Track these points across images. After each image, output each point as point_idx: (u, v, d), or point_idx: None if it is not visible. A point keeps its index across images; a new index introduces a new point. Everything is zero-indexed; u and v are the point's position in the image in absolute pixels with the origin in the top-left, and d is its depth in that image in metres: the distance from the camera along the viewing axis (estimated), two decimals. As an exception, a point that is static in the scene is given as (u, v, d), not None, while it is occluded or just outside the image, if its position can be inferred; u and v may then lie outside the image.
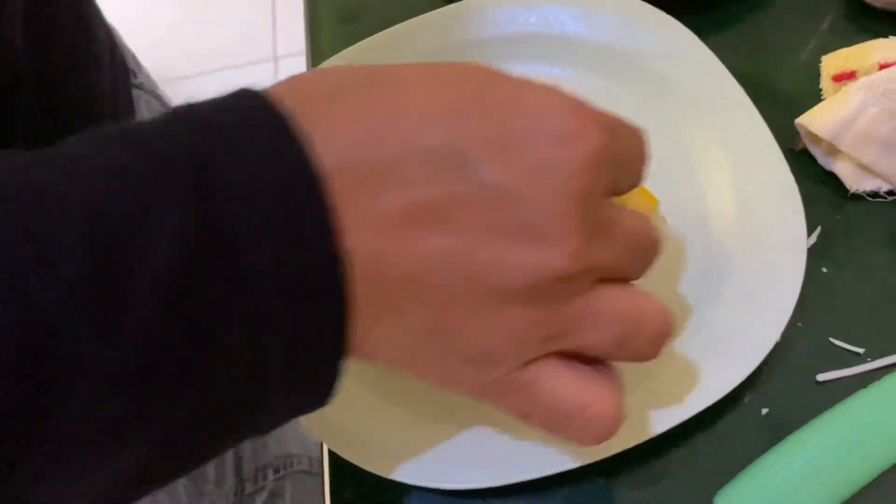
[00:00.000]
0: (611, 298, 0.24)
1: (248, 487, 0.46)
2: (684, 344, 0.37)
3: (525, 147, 0.22)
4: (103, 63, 0.42)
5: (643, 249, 0.26)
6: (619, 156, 0.24)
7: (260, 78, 1.60)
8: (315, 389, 0.22)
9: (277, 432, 0.50)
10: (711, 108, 0.41)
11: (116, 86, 0.44)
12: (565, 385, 0.24)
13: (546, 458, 0.34)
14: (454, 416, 0.36)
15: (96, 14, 0.44)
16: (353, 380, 0.38)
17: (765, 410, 0.36)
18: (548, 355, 0.24)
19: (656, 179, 0.40)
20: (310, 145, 0.20)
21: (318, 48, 0.51)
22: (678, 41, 0.42)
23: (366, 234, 0.20)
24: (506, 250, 0.21)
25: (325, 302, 0.20)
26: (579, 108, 0.23)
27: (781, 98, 0.43)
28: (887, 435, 0.33)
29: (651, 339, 0.26)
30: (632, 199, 0.38)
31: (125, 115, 0.44)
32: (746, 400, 0.36)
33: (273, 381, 0.20)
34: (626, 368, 0.36)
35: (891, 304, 0.37)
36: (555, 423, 0.25)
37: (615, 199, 0.37)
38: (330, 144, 0.20)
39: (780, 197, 0.38)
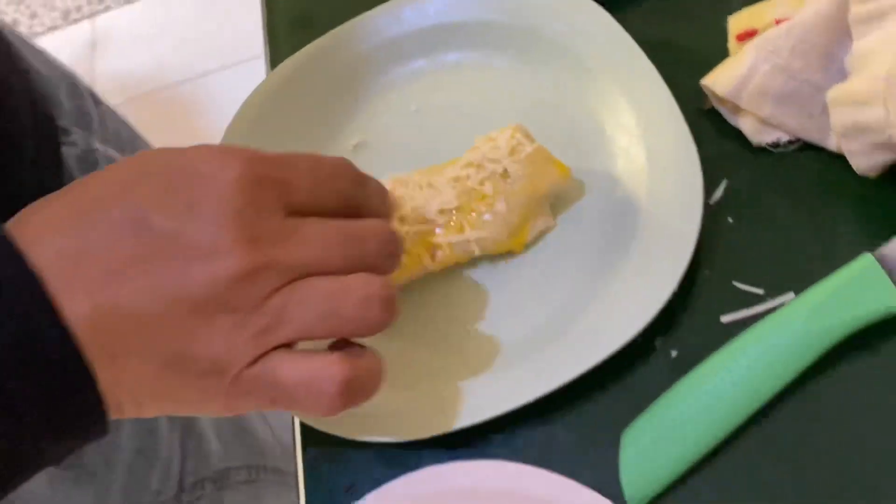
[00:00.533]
0: (310, 285, 0.29)
1: (185, 498, 0.51)
2: (598, 296, 0.40)
3: (182, 191, 0.27)
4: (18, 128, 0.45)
5: (357, 245, 0.31)
6: (280, 176, 0.29)
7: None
8: (88, 434, 0.28)
9: (217, 447, 0.55)
10: (620, 78, 0.44)
11: (39, 151, 0.47)
12: (290, 369, 0.29)
13: (467, 409, 0.39)
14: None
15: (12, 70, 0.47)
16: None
17: (674, 353, 0.40)
18: (275, 349, 0.29)
19: (573, 148, 0.44)
20: (24, 247, 0.26)
21: (276, 52, 0.56)
22: (587, 17, 0.46)
23: (81, 299, 0.26)
24: (188, 272, 0.27)
25: (64, 369, 0.26)
26: (225, 150, 0.28)
27: (693, 61, 0.45)
28: (773, 364, 0.36)
29: (358, 303, 0.29)
30: (544, 169, 0.41)
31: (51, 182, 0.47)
32: (657, 344, 0.40)
33: (44, 439, 0.26)
34: (545, 325, 0.41)
35: (788, 247, 0.40)
36: (292, 402, 0.30)
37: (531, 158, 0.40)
38: (38, 244, 0.26)
39: (680, 156, 0.41)
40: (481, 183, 0.42)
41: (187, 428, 0.53)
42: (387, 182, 0.43)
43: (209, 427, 0.55)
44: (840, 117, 0.38)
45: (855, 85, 0.37)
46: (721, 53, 0.45)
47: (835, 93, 0.38)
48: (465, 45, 0.49)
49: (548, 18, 0.47)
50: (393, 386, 0.41)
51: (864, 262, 0.36)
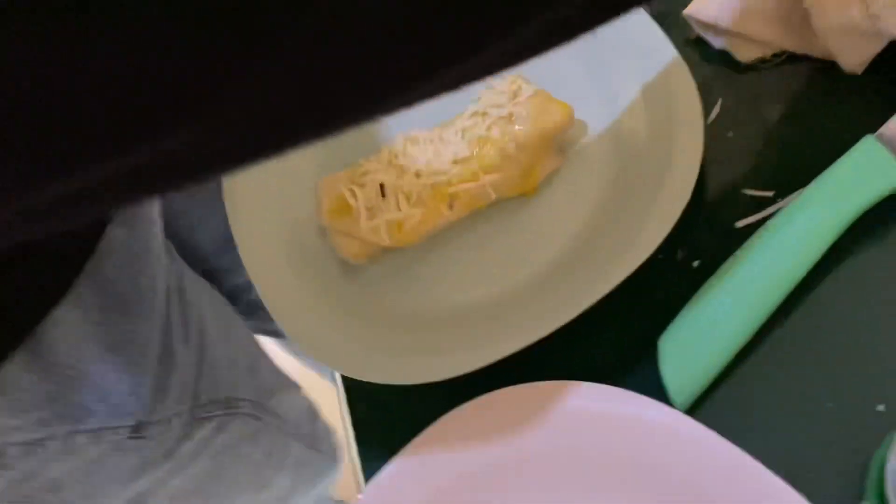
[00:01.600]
0: None
1: (198, 413, 0.52)
2: (616, 220, 0.42)
3: None
4: None
5: None
6: None
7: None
8: None
9: (230, 376, 0.56)
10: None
11: None
12: None
13: (510, 337, 0.40)
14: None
15: None
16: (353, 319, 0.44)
17: (696, 263, 0.41)
18: None
19: (569, 91, 0.45)
20: None
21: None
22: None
23: None
24: None
25: None
26: None
27: (672, -3, 0.48)
28: (792, 252, 0.37)
29: None
30: (547, 110, 0.43)
31: None
32: (679, 256, 0.41)
33: None
34: (570, 252, 0.42)
35: (790, 150, 0.42)
36: None
37: (533, 101, 0.42)
38: None
39: (676, 81, 0.43)
40: (489, 129, 0.43)
41: (201, 351, 0.54)
42: (398, 140, 0.45)
43: (223, 356, 0.56)
44: (824, 20, 0.40)
45: (831, -15, 0.39)
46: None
47: (814, 1, 0.40)
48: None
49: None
50: (433, 326, 0.42)
51: (866, 144, 0.38)
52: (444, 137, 0.44)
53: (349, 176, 0.45)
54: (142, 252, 0.49)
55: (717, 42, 0.46)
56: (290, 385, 0.69)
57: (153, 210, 0.52)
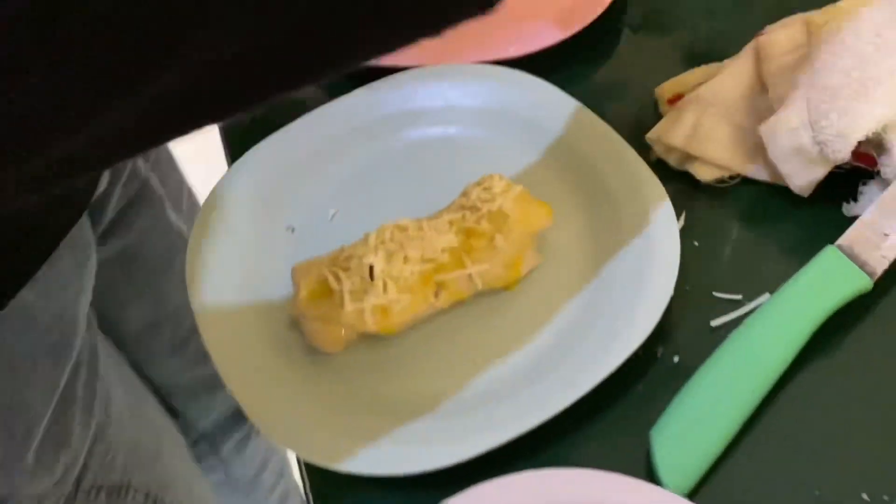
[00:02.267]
0: None
1: (80, 498, 0.48)
2: (596, 319, 0.43)
3: None
4: None
5: None
6: None
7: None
8: None
9: (126, 460, 0.53)
10: (580, 137, 0.50)
11: None
12: None
13: (493, 431, 0.39)
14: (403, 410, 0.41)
15: None
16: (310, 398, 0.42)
17: (676, 358, 0.43)
18: None
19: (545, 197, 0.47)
20: None
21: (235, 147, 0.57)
22: (542, 93, 0.52)
23: None
24: None
25: None
26: None
27: (629, 125, 0.52)
28: (769, 355, 0.40)
29: None
30: (531, 208, 0.45)
31: None
32: (659, 353, 0.43)
33: None
34: (550, 349, 0.43)
35: (751, 257, 0.46)
36: None
37: (518, 199, 0.44)
38: None
39: (649, 191, 0.46)
40: (477, 221, 0.45)
41: (102, 430, 0.50)
42: (386, 228, 0.45)
43: (125, 439, 0.53)
44: (777, 144, 0.45)
45: (784, 116, 0.45)
46: (651, 118, 0.53)
47: (768, 125, 0.46)
48: (428, 123, 0.54)
49: (512, 97, 0.53)
50: (407, 417, 0.41)
51: (828, 253, 0.42)
52: (432, 227, 0.45)
53: (331, 260, 0.45)
54: (51, 321, 0.45)
55: (677, 165, 0.50)
56: (196, 476, 0.64)
57: (82, 278, 0.48)
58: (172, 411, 0.72)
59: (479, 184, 0.46)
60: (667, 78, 0.54)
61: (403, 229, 0.45)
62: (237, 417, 0.79)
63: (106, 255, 0.57)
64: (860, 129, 0.42)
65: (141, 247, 0.62)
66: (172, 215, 0.65)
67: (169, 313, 0.66)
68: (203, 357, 0.68)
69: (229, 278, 0.47)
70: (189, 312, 0.57)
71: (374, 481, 0.40)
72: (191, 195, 0.72)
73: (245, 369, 0.43)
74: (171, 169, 0.68)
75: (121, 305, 0.61)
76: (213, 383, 0.73)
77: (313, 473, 0.41)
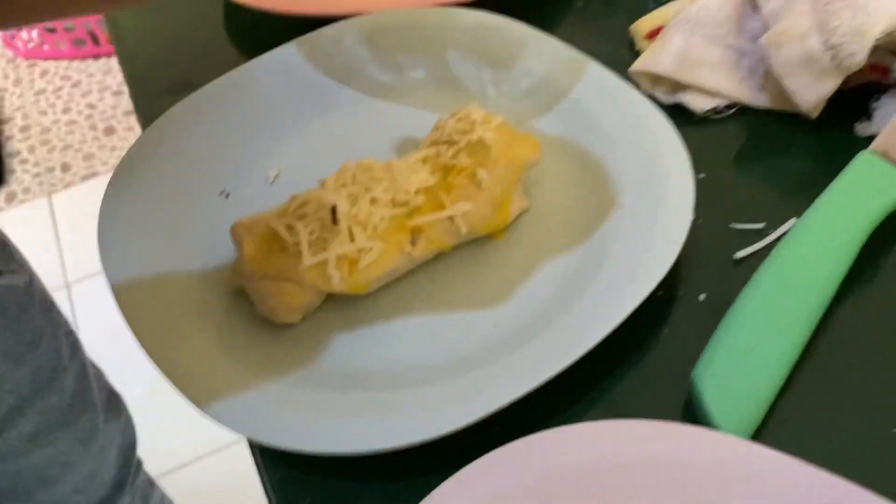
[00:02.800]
0: None
1: None
2: (602, 264, 0.36)
3: None
4: None
5: None
6: None
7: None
8: None
9: None
10: (561, 77, 0.44)
11: None
12: None
13: (500, 389, 0.31)
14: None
15: None
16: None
17: (702, 297, 0.36)
18: None
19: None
20: None
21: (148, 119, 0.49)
22: (510, 30, 0.46)
23: None
24: None
25: None
26: None
27: (610, 62, 0.47)
28: (812, 277, 0.34)
29: None
30: (515, 140, 0.38)
31: None
32: (681, 293, 0.37)
33: None
34: (554, 300, 0.36)
35: (765, 185, 0.40)
36: None
37: (500, 130, 0.37)
38: None
39: (650, 125, 0.40)
40: (455, 156, 0.38)
41: None
42: (350, 166, 0.38)
43: None
44: (782, 56, 0.40)
45: (789, 23, 0.40)
46: (629, 58, 0.47)
47: (771, 37, 0.41)
48: (384, 69, 0.47)
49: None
50: (391, 388, 0.33)
51: (863, 159, 0.36)
52: (403, 166, 0.37)
53: (281, 212, 0.37)
54: None
55: (666, 99, 0.44)
56: None
57: None
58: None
59: (453, 115, 0.39)
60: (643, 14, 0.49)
61: (368, 169, 0.37)
62: None
63: None
64: (878, 25, 0.37)
65: None
66: None
67: None
68: (29, 442, 0.58)
69: (153, 249, 0.39)
70: (7, 392, 0.49)
71: (349, 469, 0.32)
72: None
73: (180, 353, 0.34)
74: None
75: None
76: (50, 474, 0.63)
77: (273, 467, 0.33)
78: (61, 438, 0.62)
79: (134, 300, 0.36)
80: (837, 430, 0.31)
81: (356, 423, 0.31)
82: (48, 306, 0.62)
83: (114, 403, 0.71)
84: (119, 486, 0.70)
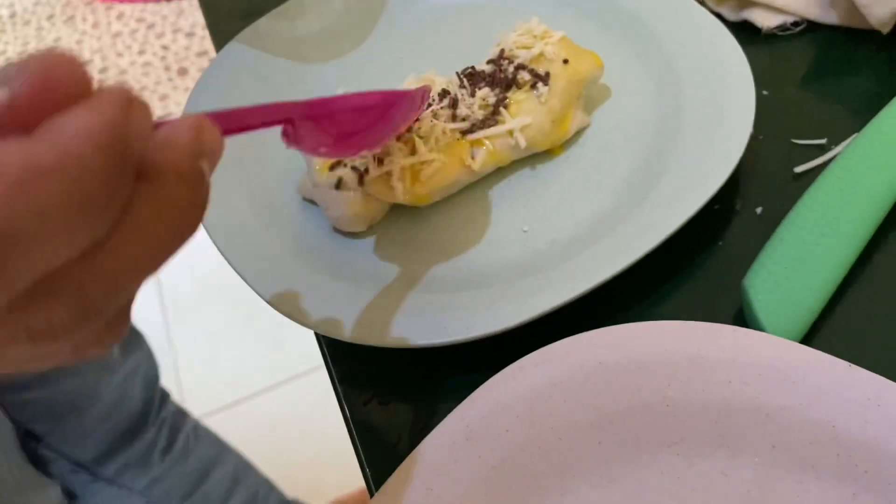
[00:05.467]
0: None
1: None
2: (661, 175, 0.37)
3: None
4: None
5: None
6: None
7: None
8: None
9: None
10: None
11: None
12: None
13: (560, 289, 0.33)
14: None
15: None
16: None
17: (759, 209, 0.37)
18: None
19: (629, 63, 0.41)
20: None
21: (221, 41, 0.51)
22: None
23: None
24: None
25: None
26: None
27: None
28: (868, 188, 0.34)
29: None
30: (577, 54, 0.39)
31: None
32: (738, 206, 0.37)
33: None
34: (614, 209, 0.37)
35: (828, 101, 0.40)
36: None
37: (561, 45, 0.38)
38: None
39: (713, 40, 0.40)
40: (517, 70, 0.38)
41: None
42: (412, 81, 0.39)
43: None
44: (853, -31, 0.39)
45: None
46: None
47: (842, -52, 0.40)
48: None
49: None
50: (461, 287, 0.35)
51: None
52: (464, 81, 0.39)
53: (348, 126, 0.38)
54: None
55: (734, 15, 0.44)
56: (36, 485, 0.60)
57: None
58: (33, 436, 0.67)
59: (514, 31, 0.40)
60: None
61: (431, 84, 0.39)
62: (120, 442, 0.73)
63: None
64: (957, -68, 0.36)
65: None
66: None
67: None
68: (54, 374, 0.62)
69: (227, 165, 0.41)
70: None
71: (408, 365, 0.34)
72: None
73: (259, 258, 0.37)
74: None
75: None
76: (78, 406, 0.67)
77: (340, 361, 0.35)
78: (86, 369, 0.67)
79: (214, 214, 0.38)
80: (883, 339, 0.32)
81: (416, 320, 0.33)
82: None
83: (134, 339, 0.77)
84: (144, 417, 0.75)
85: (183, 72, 1.88)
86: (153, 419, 0.77)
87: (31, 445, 0.67)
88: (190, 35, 1.94)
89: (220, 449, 0.86)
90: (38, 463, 0.68)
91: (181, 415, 0.82)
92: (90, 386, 0.68)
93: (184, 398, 0.93)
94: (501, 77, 0.38)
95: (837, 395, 0.28)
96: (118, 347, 0.72)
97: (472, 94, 0.38)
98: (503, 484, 0.29)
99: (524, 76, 0.38)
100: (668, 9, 0.42)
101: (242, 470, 0.89)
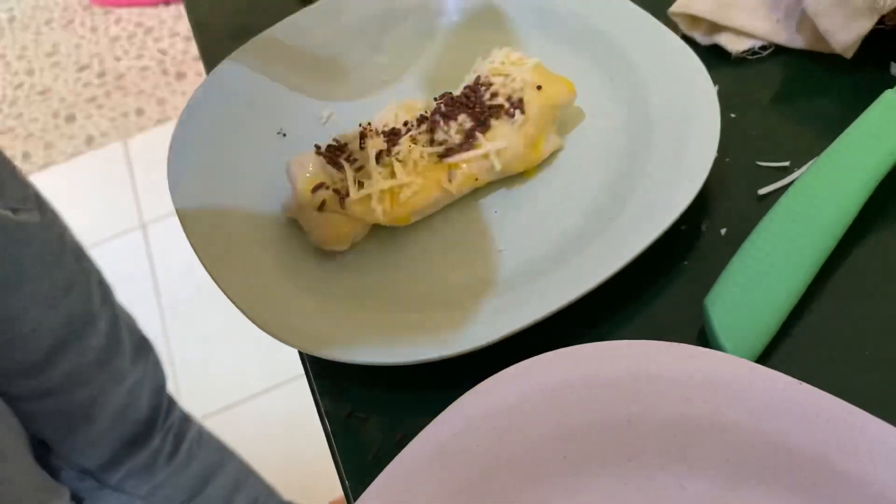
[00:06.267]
0: None
1: None
2: (628, 199, 0.38)
3: None
4: None
5: None
6: None
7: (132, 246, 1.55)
8: None
9: None
10: (593, 15, 0.46)
11: None
12: None
13: (529, 307, 0.34)
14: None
15: None
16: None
17: (723, 231, 0.38)
18: None
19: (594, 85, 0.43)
20: None
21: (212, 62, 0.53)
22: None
23: None
24: None
25: None
26: None
27: (649, 3, 0.48)
28: (826, 210, 0.35)
29: None
30: (550, 81, 0.40)
31: None
32: (704, 227, 0.39)
33: None
34: (582, 231, 0.38)
35: (793, 125, 0.42)
36: None
37: (535, 72, 0.39)
38: None
39: (681, 64, 0.42)
40: (492, 97, 0.40)
41: None
42: (392, 107, 0.41)
43: None
44: (816, -4, 0.41)
45: (825, -36, 0.41)
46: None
47: (806, -23, 0.41)
48: (428, 15, 0.49)
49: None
50: (432, 307, 0.36)
51: (889, 98, 0.37)
52: (441, 106, 0.40)
53: (329, 151, 0.40)
54: None
55: (704, 39, 0.46)
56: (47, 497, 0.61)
57: None
58: (45, 445, 0.69)
59: (487, 58, 0.42)
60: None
61: (411, 109, 0.40)
62: (126, 449, 0.75)
63: None
64: (912, -36, 0.38)
65: None
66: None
67: (24, 333, 0.61)
68: (67, 385, 0.64)
69: (217, 183, 0.42)
70: (45, 333, 0.53)
71: (386, 380, 0.36)
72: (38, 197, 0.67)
73: (242, 274, 0.38)
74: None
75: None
76: (88, 415, 0.68)
77: (321, 377, 0.37)
78: (96, 378, 0.69)
79: (200, 230, 0.40)
80: (836, 356, 0.33)
81: (394, 338, 0.35)
82: (79, 255, 0.68)
83: (142, 348, 0.78)
84: (150, 424, 0.77)
85: (181, 76, 1.89)
86: (160, 426, 0.78)
87: (42, 454, 0.68)
88: (188, 39, 1.96)
89: (222, 455, 0.88)
90: (48, 471, 0.69)
91: (186, 421, 0.84)
92: (99, 394, 0.70)
93: (181, 400, 0.95)
94: (477, 104, 0.40)
95: (788, 412, 0.30)
96: (128, 356, 0.73)
97: (450, 120, 0.40)
98: (475, 497, 0.31)
99: (499, 101, 0.40)
100: (639, 33, 0.44)
101: (243, 476, 0.90)
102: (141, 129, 1.82)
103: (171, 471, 0.79)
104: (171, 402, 0.82)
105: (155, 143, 1.78)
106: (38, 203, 0.65)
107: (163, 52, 1.95)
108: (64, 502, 0.66)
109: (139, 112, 1.85)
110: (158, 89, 1.88)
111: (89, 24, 2.06)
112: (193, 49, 1.94)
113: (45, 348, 0.63)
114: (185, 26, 2.00)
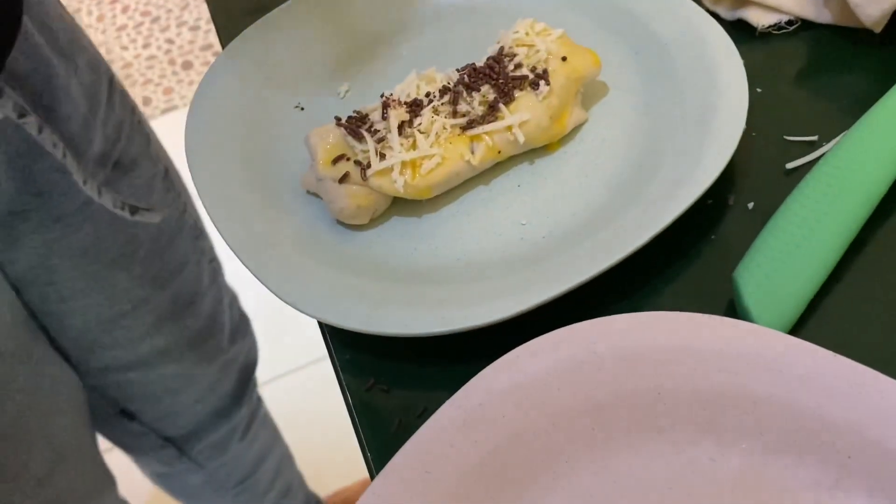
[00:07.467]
0: None
1: None
2: (656, 171, 0.38)
3: None
4: None
5: None
6: None
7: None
8: None
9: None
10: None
11: None
12: None
13: (555, 281, 0.34)
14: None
15: None
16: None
17: (751, 204, 0.38)
18: None
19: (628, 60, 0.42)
20: None
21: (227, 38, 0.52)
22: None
23: None
24: None
25: None
26: None
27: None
28: (858, 182, 0.35)
29: None
30: (575, 52, 0.40)
31: None
32: (731, 201, 0.38)
33: None
34: (608, 203, 0.38)
35: (821, 99, 0.41)
36: None
37: (559, 42, 0.38)
38: None
39: (708, 38, 0.41)
40: (516, 68, 0.39)
41: None
42: (413, 77, 0.40)
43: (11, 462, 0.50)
44: (846, -31, 0.40)
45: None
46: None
47: (835, -51, 0.41)
48: None
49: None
50: (455, 279, 0.36)
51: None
52: (464, 77, 0.39)
53: (350, 122, 0.39)
54: None
55: (730, 14, 0.45)
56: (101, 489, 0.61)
57: None
58: (127, 414, 0.68)
59: (513, 29, 0.41)
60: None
61: (431, 80, 0.40)
62: (211, 421, 0.74)
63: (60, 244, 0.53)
64: (947, -66, 0.37)
65: (99, 241, 0.55)
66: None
67: (126, 311, 0.60)
68: (160, 356, 0.63)
69: (234, 158, 0.42)
70: (146, 312, 0.52)
71: (409, 354, 0.35)
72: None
73: (263, 247, 0.38)
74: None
75: (61, 299, 0.55)
76: (175, 386, 0.68)
77: (342, 350, 0.36)
78: (188, 356, 0.67)
79: (220, 205, 0.39)
80: (868, 329, 0.33)
81: (416, 310, 0.34)
82: (197, 234, 0.66)
83: (241, 327, 0.76)
84: (237, 399, 0.75)
85: (188, 65, 1.89)
86: (245, 402, 0.77)
87: (124, 423, 0.68)
88: (194, 29, 1.95)
89: (274, 438, 0.87)
90: (130, 437, 0.69)
91: (259, 400, 0.83)
92: (189, 371, 0.68)
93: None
94: (501, 75, 0.39)
95: (822, 384, 0.29)
96: (225, 336, 0.72)
97: (472, 91, 0.39)
98: (499, 468, 0.30)
99: (523, 72, 0.39)
100: (664, 7, 0.43)
101: (285, 461, 0.90)
102: (148, 119, 1.81)
103: (240, 448, 0.78)
104: (255, 381, 0.80)
105: (162, 133, 1.78)
106: (166, 183, 0.62)
107: (170, 42, 1.94)
108: (114, 494, 0.66)
109: (146, 101, 1.84)
110: (165, 79, 1.88)
111: (96, 13, 2.05)
112: (200, 39, 1.93)
113: (144, 326, 0.61)
114: (191, 16, 1.99)
